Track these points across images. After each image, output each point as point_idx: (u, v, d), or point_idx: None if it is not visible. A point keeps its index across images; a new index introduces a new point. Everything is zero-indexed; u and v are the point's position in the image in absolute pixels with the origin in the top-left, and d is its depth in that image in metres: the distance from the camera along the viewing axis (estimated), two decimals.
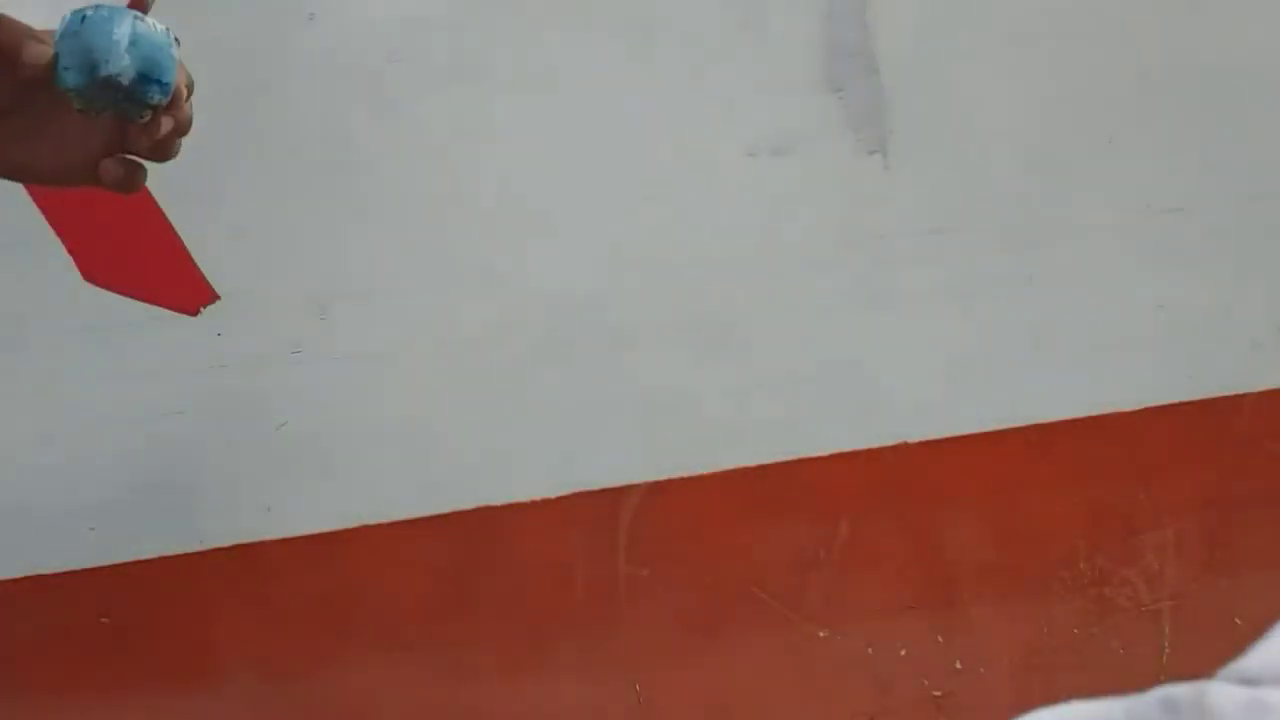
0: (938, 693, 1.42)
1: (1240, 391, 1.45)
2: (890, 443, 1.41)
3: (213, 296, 1.29)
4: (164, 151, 0.91)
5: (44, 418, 1.26)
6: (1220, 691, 0.49)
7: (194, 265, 1.20)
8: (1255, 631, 0.51)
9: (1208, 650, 1.51)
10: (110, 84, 0.83)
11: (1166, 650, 1.45)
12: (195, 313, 1.27)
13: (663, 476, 1.38)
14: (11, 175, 0.89)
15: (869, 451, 1.41)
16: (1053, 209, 1.42)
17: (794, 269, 1.39)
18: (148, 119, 0.88)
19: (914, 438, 1.41)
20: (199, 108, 1.36)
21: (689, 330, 1.38)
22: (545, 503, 1.37)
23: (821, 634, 1.41)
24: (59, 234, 1.18)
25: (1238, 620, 1.45)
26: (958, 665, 1.42)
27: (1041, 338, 1.42)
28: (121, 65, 0.83)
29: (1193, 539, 1.45)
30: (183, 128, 0.91)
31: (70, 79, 0.83)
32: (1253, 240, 1.45)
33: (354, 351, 1.34)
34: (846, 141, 1.39)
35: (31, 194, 1.17)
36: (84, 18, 0.83)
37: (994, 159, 1.41)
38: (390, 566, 1.36)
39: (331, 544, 1.35)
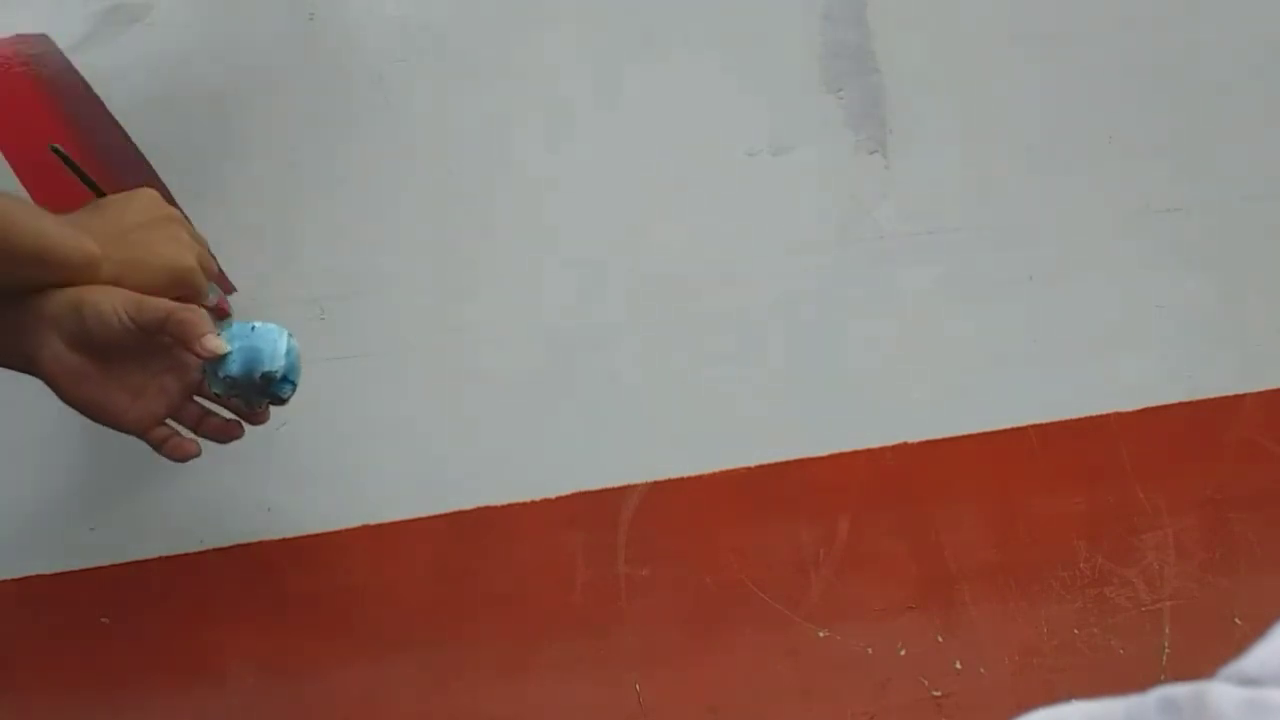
0: (937, 693, 1.42)
1: (1240, 391, 1.45)
2: (890, 443, 1.41)
3: (228, 289, 1.29)
4: (228, 435, 1.08)
5: (44, 417, 1.26)
6: (1220, 691, 0.49)
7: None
8: (1255, 631, 0.51)
9: (1208, 650, 1.52)
10: (262, 378, 1.03)
11: (1166, 650, 1.45)
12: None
13: (663, 476, 1.38)
14: (79, 406, 1.05)
15: (869, 451, 1.41)
16: (1053, 208, 1.42)
17: (793, 268, 1.39)
18: (263, 408, 1.08)
19: (914, 438, 1.41)
20: (200, 106, 1.36)
21: (688, 330, 1.38)
22: (545, 503, 1.37)
23: (821, 634, 1.41)
24: None
25: (1238, 620, 1.45)
26: (957, 665, 1.42)
27: (1041, 338, 1.42)
28: (277, 365, 1.03)
29: (1193, 539, 1.45)
30: (260, 422, 1.09)
31: (231, 369, 1.02)
32: (1253, 240, 1.45)
33: (354, 351, 1.34)
34: (846, 141, 1.39)
35: (30, 192, 1.17)
36: (253, 327, 1.04)
37: (994, 159, 1.41)
38: (390, 566, 1.36)
39: (331, 544, 1.35)
